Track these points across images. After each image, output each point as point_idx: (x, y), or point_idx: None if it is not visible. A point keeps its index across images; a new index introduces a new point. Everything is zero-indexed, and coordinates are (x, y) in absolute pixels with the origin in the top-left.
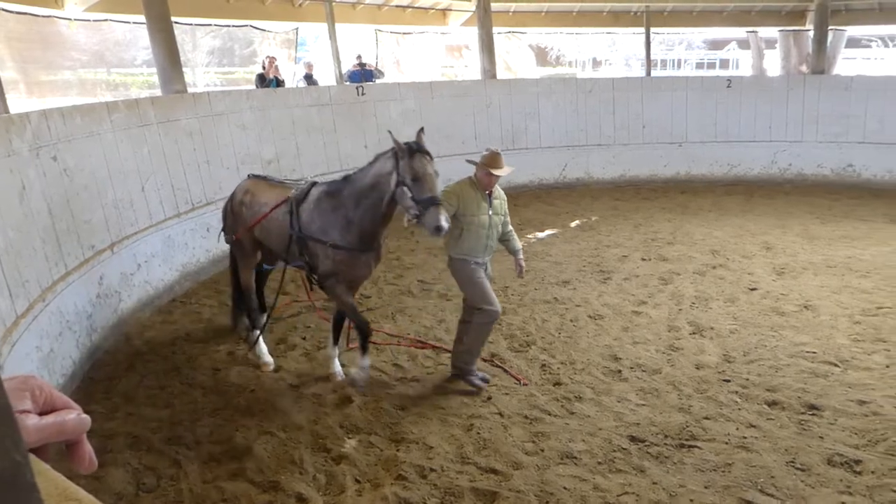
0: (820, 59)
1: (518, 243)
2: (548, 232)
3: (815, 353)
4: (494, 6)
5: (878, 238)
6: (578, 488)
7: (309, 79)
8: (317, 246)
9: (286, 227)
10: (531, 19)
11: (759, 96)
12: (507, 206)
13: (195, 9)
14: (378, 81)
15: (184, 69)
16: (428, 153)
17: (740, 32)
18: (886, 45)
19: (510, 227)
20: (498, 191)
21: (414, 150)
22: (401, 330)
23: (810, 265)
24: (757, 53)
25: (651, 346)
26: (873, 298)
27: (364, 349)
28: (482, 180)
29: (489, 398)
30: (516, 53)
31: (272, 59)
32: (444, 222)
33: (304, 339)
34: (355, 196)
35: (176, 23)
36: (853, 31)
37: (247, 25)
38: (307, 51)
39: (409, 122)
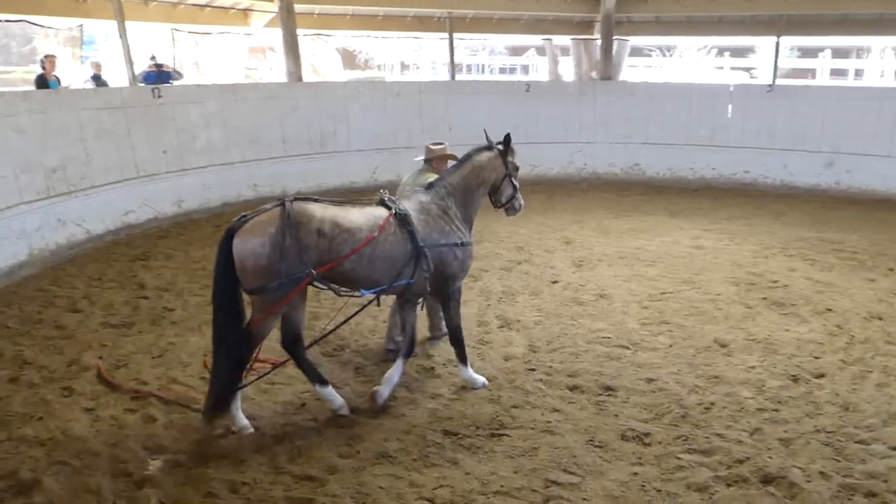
0: (607, 66)
1: None
2: None
3: (609, 338)
4: (298, 8)
5: (660, 230)
6: (394, 486)
7: (97, 79)
8: (443, 252)
9: (402, 246)
10: (336, 22)
11: (556, 100)
12: None
13: None
14: (176, 83)
15: None
16: None
17: (538, 40)
18: (664, 55)
19: None
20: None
21: (511, 147)
22: (209, 343)
23: (605, 257)
24: (552, 60)
25: None
26: (658, 285)
27: (407, 356)
28: (439, 167)
29: (303, 405)
30: (323, 56)
31: (52, 58)
32: None
33: (100, 358)
34: (462, 195)
35: None
36: (636, 41)
37: (23, 21)
38: (97, 50)
39: (212, 125)
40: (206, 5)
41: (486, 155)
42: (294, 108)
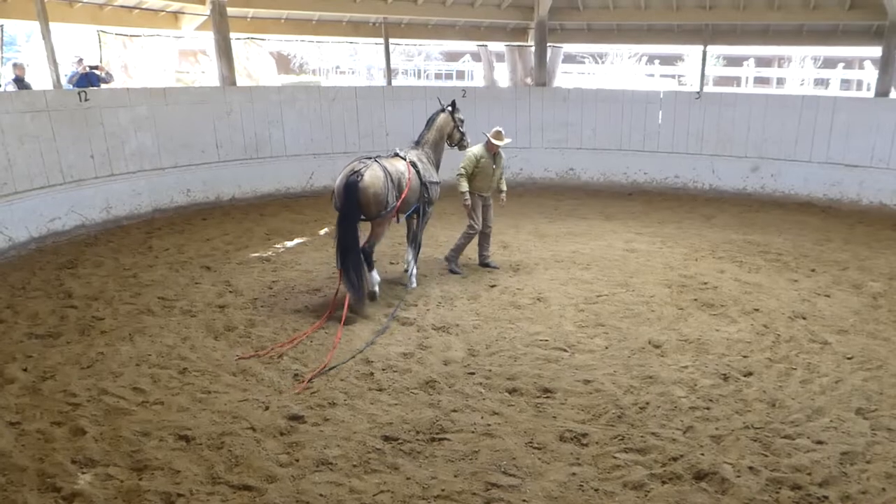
0: (541, 72)
1: (505, 185)
2: (297, 241)
3: (547, 340)
4: (231, 11)
5: (595, 234)
6: (335, 493)
7: (20, 82)
8: (431, 186)
9: (416, 181)
10: (270, 26)
11: (492, 106)
12: (504, 163)
13: None
14: (105, 86)
15: None
16: None
17: (473, 46)
18: (596, 62)
19: (503, 176)
20: (502, 152)
21: (456, 107)
22: (140, 352)
23: (541, 260)
24: (488, 66)
25: (401, 347)
26: (593, 288)
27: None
28: (489, 146)
29: (240, 413)
30: (257, 60)
31: None
32: None
33: (25, 370)
34: (433, 147)
35: None
36: (569, 48)
37: None
38: (18, 51)
39: (142, 129)
40: (134, 7)
41: (441, 116)
42: (228, 113)
